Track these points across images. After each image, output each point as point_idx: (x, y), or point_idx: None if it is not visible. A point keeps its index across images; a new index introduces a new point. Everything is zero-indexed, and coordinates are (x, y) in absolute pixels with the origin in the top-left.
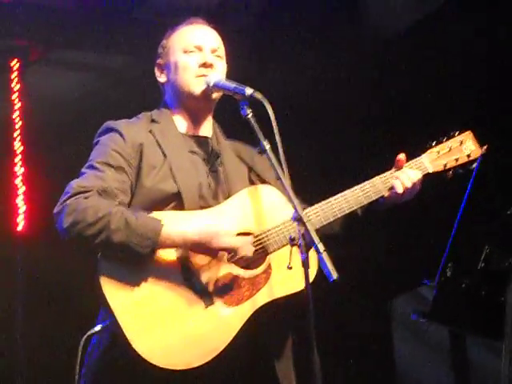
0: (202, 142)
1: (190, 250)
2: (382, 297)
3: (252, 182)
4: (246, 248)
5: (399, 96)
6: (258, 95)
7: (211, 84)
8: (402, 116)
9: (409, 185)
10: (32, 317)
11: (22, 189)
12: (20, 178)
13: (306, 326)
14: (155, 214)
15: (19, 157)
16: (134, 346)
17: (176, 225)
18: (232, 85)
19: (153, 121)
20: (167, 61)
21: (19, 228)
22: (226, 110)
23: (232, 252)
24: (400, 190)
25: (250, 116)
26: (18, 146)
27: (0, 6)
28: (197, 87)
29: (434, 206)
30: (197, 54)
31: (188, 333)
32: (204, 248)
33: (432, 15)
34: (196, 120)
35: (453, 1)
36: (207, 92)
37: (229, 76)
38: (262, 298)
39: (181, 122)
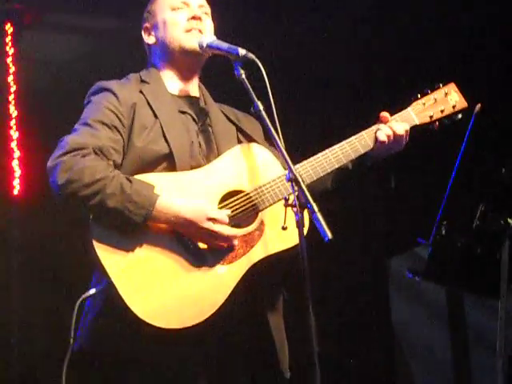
0: (191, 101)
1: (181, 224)
2: (377, 255)
3: (240, 142)
4: (232, 241)
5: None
6: (252, 56)
7: (204, 45)
8: (391, 76)
9: (390, 133)
10: (27, 280)
11: (17, 153)
12: (15, 142)
13: (300, 285)
14: (148, 179)
15: (14, 121)
16: (130, 306)
17: (170, 197)
18: (225, 45)
19: (142, 81)
20: (155, 22)
21: (15, 192)
22: (215, 73)
23: (218, 241)
24: (383, 138)
25: (243, 76)
26: (12, 110)
27: None
28: (187, 42)
29: (428, 164)
30: (184, 10)
31: (184, 292)
32: (194, 226)
33: None
34: (185, 79)
35: None
36: (200, 52)
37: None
38: (257, 254)
39: (170, 82)
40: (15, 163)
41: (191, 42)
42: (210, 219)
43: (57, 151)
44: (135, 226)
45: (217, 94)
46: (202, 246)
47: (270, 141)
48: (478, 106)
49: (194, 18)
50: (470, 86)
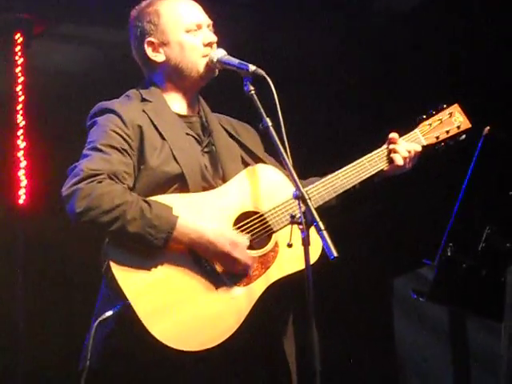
0: (193, 121)
1: (201, 246)
2: (382, 276)
3: (243, 159)
4: (249, 266)
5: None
6: (262, 72)
7: (215, 60)
8: (395, 94)
9: (407, 155)
10: (33, 290)
11: (23, 162)
12: (22, 151)
13: (305, 303)
14: (165, 200)
15: (21, 131)
16: (149, 328)
17: (189, 218)
18: (236, 61)
19: (144, 99)
20: (166, 40)
21: (21, 201)
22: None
23: (236, 266)
24: (400, 162)
25: (252, 92)
26: (20, 119)
27: None
28: (203, 67)
29: (435, 185)
30: (199, 33)
31: (201, 314)
32: (215, 249)
33: None
34: (188, 99)
35: None
36: (210, 68)
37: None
38: (272, 276)
39: (173, 102)
40: (21, 173)
41: (205, 65)
42: (231, 243)
43: (71, 179)
44: (156, 249)
45: (211, 102)
46: (218, 267)
47: (271, 152)
48: (487, 128)
49: (210, 44)
50: (477, 109)
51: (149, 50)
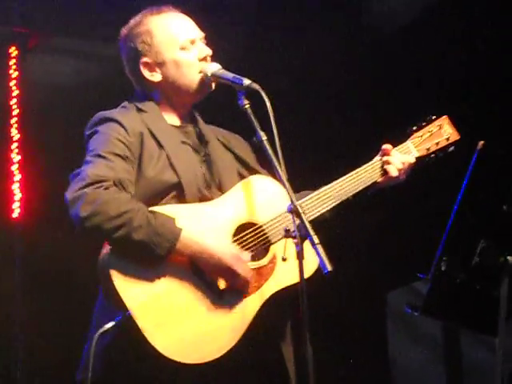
0: (188, 131)
1: (202, 259)
2: (376, 290)
3: (238, 171)
4: (250, 281)
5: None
6: (256, 86)
7: (209, 74)
8: (387, 105)
9: (401, 167)
10: (30, 304)
11: (18, 176)
12: (16, 165)
13: (299, 316)
14: (166, 210)
15: (16, 144)
16: (150, 341)
17: (192, 231)
18: (230, 75)
19: (139, 110)
20: (161, 60)
21: (15, 215)
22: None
23: (237, 280)
24: (395, 173)
25: (247, 106)
26: (14, 133)
27: None
28: (200, 83)
29: (429, 198)
30: (193, 48)
31: (202, 327)
32: (217, 263)
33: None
34: (183, 112)
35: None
36: (206, 83)
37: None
38: (270, 288)
39: (168, 115)
40: (16, 186)
41: (200, 79)
42: (233, 257)
43: (76, 184)
44: (157, 259)
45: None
46: (219, 281)
47: (264, 164)
48: (481, 143)
49: (205, 58)
50: (468, 122)
51: (145, 71)
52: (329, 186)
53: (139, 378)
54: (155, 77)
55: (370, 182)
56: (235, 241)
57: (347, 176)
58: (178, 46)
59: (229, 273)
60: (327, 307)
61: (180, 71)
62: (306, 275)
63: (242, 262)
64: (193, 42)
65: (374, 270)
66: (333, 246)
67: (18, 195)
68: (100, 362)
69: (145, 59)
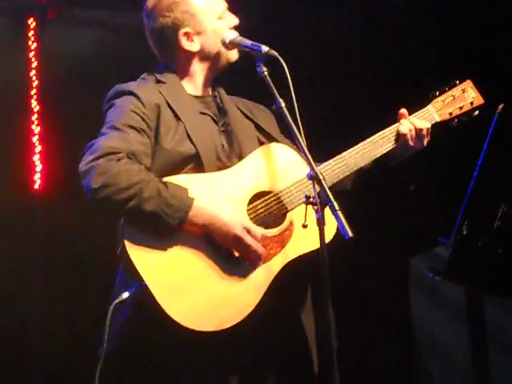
0: (208, 101)
1: (214, 228)
2: (397, 255)
3: (259, 140)
4: (260, 254)
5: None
6: (275, 53)
7: (227, 41)
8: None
9: (414, 133)
10: (49, 275)
11: (38, 147)
12: (37, 136)
13: (321, 283)
14: (179, 181)
15: (35, 116)
16: (166, 310)
17: (205, 200)
18: (248, 42)
19: (158, 81)
20: (201, 29)
21: (36, 186)
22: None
23: (247, 250)
24: (405, 130)
25: (265, 73)
26: (34, 104)
27: None
28: (234, 54)
29: (450, 163)
30: (225, 17)
31: (217, 294)
32: (227, 231)
33: None
34: (206, 82)
35: None
36: (224, 48)
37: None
38: (288, 255)
39: (188, 85)
40: (36, 157)
41: (236, 54)
42: (244, 229)
43: (89, 155)
44: (170, 229)
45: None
46: (233, 250)
47: (286, 133)
48: (501, 105)
49: (235, 27)
50: (489, 85)
51: (184, 41)
52: (347, 151)
53: (158, 350)
54: (194, 46)
55: (388, 148)
56: (249, 209)
57: (365, 142)
58: (216, 15)
59: (238, 243)
60: (348, 273)
61: (217, 40)
62: (326, 241)
63: (252, 233)
64: (225, 12)
65: (396, 235)
66: (354, 212)
67: (39, 166)
68: (119, 336)
69: (186, 29)
